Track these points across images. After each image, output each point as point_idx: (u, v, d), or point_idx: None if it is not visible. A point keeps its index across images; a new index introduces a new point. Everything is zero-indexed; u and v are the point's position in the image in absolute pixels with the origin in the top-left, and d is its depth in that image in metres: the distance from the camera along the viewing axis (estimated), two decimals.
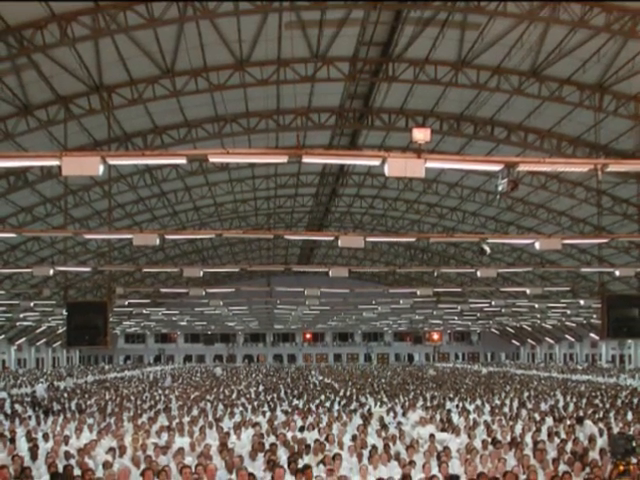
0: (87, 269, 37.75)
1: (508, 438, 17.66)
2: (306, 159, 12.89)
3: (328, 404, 27.67)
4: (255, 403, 27.96)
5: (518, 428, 19.78)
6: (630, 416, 23.62)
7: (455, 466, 14.12)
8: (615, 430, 19.08)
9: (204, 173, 32.71)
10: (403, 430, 19.32)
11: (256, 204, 41.00)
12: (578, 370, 60.56)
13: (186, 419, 21.71)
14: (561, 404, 29.25)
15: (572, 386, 41.94)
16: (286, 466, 12.94)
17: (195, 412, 24.48)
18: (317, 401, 29.31)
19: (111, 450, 15.36)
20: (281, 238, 41.48)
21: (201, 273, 29.40)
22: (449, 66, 22.45)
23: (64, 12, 17.21)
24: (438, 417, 22.13)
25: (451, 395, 32.43)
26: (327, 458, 13.94)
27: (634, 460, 12.24)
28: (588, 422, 20.50)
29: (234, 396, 33.67)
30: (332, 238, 25.26)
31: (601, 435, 18.37)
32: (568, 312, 54.31)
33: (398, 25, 20.33)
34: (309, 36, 21.03)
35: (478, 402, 28.54)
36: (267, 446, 15.59)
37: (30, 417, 23.88)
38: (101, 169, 11.05)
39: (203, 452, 15.02)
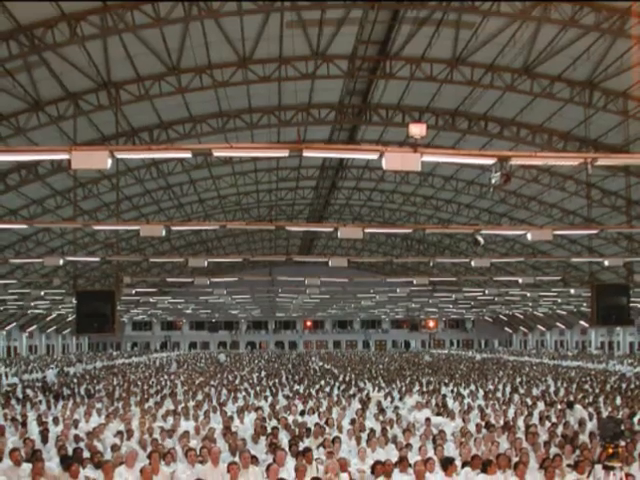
0: (96, 259, 37.90)
1: (501, 422, 17.82)
2: (306, 153, 13.40)
3: (328, 389, 27.86)
4: (257, 388, 28.16)
5: (511, 412, 20.03)
6: (619, 400, 23.93)
7: (450, 449, 14.28)
8: (604, 414, 19.41)
9: (208, 167, 32.78)
10: (400, 414, 19.55)
11: (258, 196, 41.14)
12: (568, 356, 60.81)
13: (191, 403, 21.80)
14: (552, 389, 29.42)
15: (563, 372, 42.21)
16: (287, 449, 13.06)
17: (200, 397, 24.53)
18: (317, 386, 29.48)
19: (119, 433, 15.50)
20: (282, 229, 41.62)
21: (205, 263, 29.52)
22: (444, 64, 22.63)
23: (74, 11, 17.41)
24: (434, 402, 22.29)
25: (446, 380, 32.68)
26: (327, 441, 13.99)
27: (622, 443, 12.19)
28: (578, 406, 20.67)
29: (237, 381, 33.92)
30: (332, 229, 24.93)
31: (591, 419, 18.59)
32: (559, 300, 54.34)
33: (395, 24, 20.52)
34: (309, 35, 21.21)
35: (472, 387, 28.85)
36: (269, 429, 15.83)
37: (41, 401, 24.05)
38: (109, 163, 11.27)
39: (207, 435, 15.25)
